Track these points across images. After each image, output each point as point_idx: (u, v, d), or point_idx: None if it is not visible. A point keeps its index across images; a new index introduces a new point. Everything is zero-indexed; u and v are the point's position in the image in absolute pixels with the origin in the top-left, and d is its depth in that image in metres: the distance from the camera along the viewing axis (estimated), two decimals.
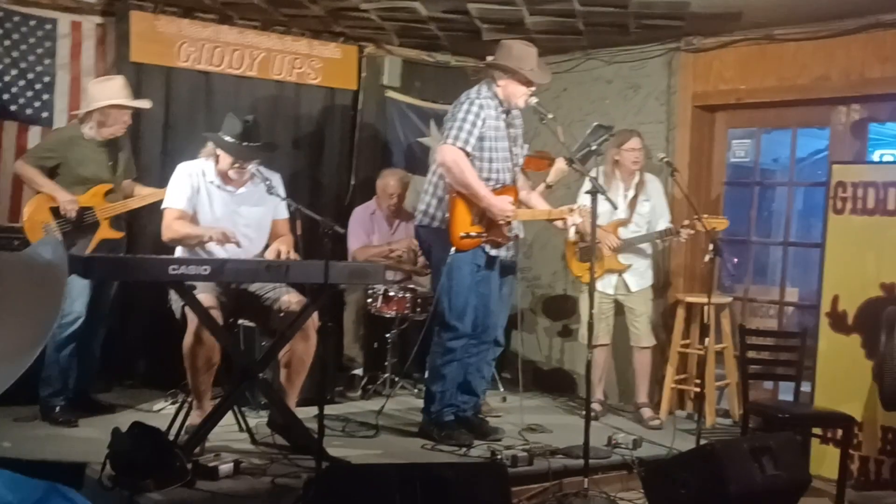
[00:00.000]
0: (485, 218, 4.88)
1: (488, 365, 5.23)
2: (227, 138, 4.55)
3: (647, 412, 5.80)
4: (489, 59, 4.99)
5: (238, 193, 4.66)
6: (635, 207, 5.78)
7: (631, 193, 5.78)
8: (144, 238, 5.69)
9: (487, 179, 4.85)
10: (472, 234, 4.84)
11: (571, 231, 5.33)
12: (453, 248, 4.83)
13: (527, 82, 4.86)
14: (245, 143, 4.54)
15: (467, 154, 4.76)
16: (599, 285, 5.66)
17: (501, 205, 4.81)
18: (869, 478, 4.96)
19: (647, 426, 5.64)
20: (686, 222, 5.55)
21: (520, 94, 4.85)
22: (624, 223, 5.78)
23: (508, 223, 4.91)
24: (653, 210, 5.82)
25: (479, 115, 4.77)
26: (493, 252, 4.96)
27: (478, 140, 4.79)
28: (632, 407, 6.03)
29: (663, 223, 5.79)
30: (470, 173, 4.76)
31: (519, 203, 5.00)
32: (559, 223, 5.01)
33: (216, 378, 4.52)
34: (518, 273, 5.41)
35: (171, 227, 4.54)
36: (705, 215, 5.43)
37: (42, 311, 1.01)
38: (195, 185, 4.59)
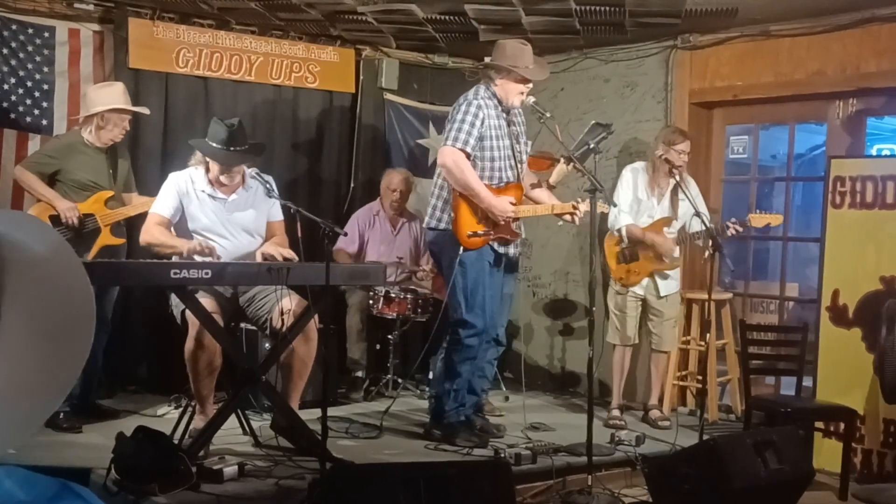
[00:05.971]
0: (489, 216, 4.89)
1: (490, 364, 5.23)
2: (213, 144, 4.54)
3: (656, 413, 5.74)
4: (486, 59, 5.01)
5: (230, 201, 4.64)
6: (677, 207, 5.65)
7: (668, 191, 5.65)
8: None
9: (490, 178, 4.86)
10: (480, 232, 4.85)
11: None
12: (461, 248, 4.83)
13: (522, 80, 4.88)
14: (231, 149, 4.52)
15: (467, 155, 4.78)
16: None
17: (502, 206, 4.81)
18: (872, 470, 4.97)
19: (658, 427, 5.55)
20: (733, 220, 5.43)
21: (515, 93, 4.87)
22: (668, 222, 5.67)
23: (516, 220, 4.92)
24: (688, 211, 5.57)
25: (477, 115, 4.79)
26: (502, 249, 4.97)
27: (478, 140, 4.80)
28: (640, 407, 5.99)
29: (697, 224, 5.52)
30: (470, 174, 4.77)
31: (525, 199, 4.99)
32: (567, 217, 4.94)
33: (218, 381, 4.53)
34: (518, 272, 5.41)
35: (149, 231, 4.52)
36: (758, 212, 5.40)
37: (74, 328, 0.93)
38: (184, 194, 4.56)
